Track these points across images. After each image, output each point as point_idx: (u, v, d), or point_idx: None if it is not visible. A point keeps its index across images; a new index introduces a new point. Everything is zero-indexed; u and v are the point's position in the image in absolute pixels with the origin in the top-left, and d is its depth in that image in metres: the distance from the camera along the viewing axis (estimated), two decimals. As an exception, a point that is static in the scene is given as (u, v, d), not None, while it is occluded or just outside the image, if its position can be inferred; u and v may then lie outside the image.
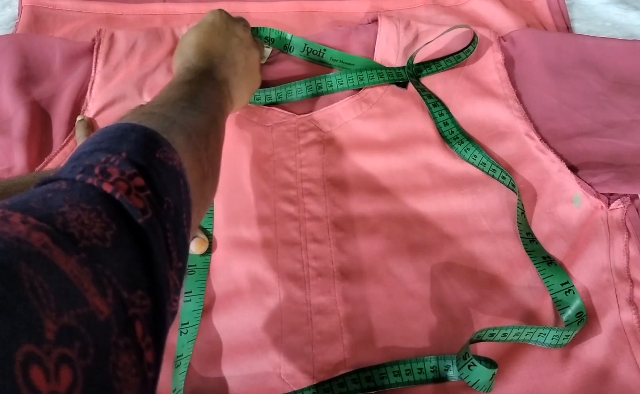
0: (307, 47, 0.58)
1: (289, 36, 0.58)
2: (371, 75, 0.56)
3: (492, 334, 0.41)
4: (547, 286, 0.46)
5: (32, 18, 0.64)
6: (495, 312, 0.45)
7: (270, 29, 0.57)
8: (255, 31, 0.57)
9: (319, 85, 0.57)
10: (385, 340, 0.44)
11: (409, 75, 0.56)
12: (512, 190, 0.50)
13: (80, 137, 0.53)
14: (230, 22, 0.49)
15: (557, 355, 0.43)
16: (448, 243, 0.48)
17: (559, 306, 0.45)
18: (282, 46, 0.58)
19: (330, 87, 0.56)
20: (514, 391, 0.41)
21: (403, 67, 0.57)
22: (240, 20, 0.51)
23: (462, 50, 0.58)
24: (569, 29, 0.65)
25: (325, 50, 0.58)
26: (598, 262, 0.47)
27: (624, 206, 0.48)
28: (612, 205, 0.48)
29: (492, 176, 0.51)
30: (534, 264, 0.47)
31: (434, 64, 0.57)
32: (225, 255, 0.48)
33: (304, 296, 0.46)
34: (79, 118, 0.54)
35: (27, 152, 0.51)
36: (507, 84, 0.56)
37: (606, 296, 0.45)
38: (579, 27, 0.65)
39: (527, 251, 0.47)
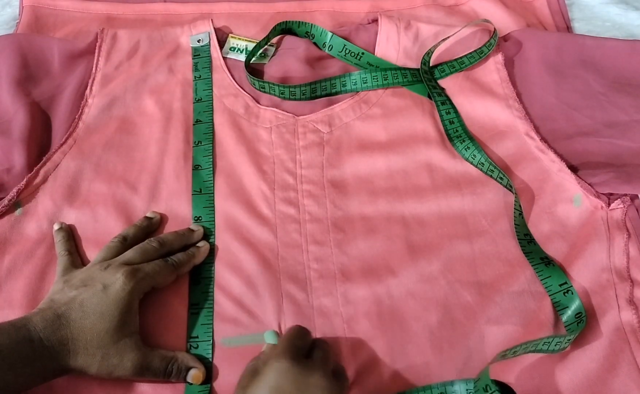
0: (346, 48, 0.59)
1: (329, 35, 0.60)
2: (395, 75, 0.57)
3: (503, 355, 0.41)
4: (545, 287, 0.46)
5: (32, 18, 0.64)
6: (496, 312, 0.45)
7: (312, 24, 0.59)
8: (297, 25, 0.59)
9: (344, 82, 0.57)
10: (387, 341, 0.44)
11: (424, 72, 0.57)
12: (510, 190, 0.50)
13: (60, 251, 0.46)
14: (301, 377, 0.37)
15: (557, 355, 0.43)
16: (448, 243, 0.48)
17: (558, 308, 0.45)
18: (322, 44, 0.60)
19: (354, 85, 0.57)
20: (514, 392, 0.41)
21: (430, 68, 0.57)
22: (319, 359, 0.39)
23: (484, 45, 0.58)
24: (569, 29, 0.65)
25: (363, 53, 0.59)
26: (598, 262, 0.47)
27: (624, 206, 0.48)
28: (612, 205, 0.48)
29: (490, 176, 0.51)
30: (532, 265, 0.47)
31: (456, 62, 0.58)
32: (226, 256, 0.48)
33: (305, 298, 0.46)
34: (56, 226, 0.48)
35: (27, 152, 0.51)
36: (507, 84, 0.57)
37: (606, 296, 0.45)
38: (579, 27, 0.65)
39: (524, 253, 0.47)
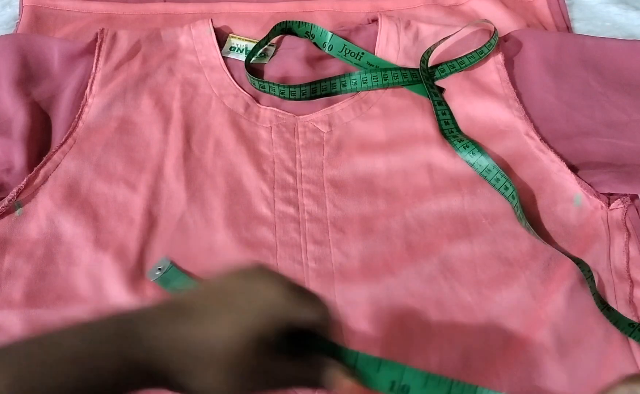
0: (346, 48, 0.60)
1: (329, 35, 0.60)
2: (395, 75, 0.57)
3: None
4: None
5: (32, 18, 0.64)
6: (496, 312, 0.45)
7: (312, 24, 0.60)
8: (297, 25, 0.59)
9: (344, 82, 0.57)
10: (386, 341, 0.44)
11: (422, 70, 0.57)
12: (503, 194, 0.50)
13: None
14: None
15: (555, 356, 0.43)
16: (448, 243, 0.48)
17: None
18: (322, 44, 0.60)
19: (354, 85, 0.57)
20: (513, 391, 0.41)
21: (429, 68, 0.58)
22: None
23: (484, 45, 0.58)
24: (569, 29, 0.65)
25: (363, 53, 0.59)
26: (598, 262, 0.47)
27: (624, 206, 0.48)
28: (612, 205, 0.48)
29: (485, 177, 0.51)
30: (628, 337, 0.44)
31: (456, 62, 0.58)
32: (224, 256, 0.48)
33: (303, 297, 0.46)
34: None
35: (27, 152, 0.51)
36: (507, 84, 0.57)
37: (606, 296, 0.45)
38: (579, 27, 0.65)
39: (612, 322, 0.44)
